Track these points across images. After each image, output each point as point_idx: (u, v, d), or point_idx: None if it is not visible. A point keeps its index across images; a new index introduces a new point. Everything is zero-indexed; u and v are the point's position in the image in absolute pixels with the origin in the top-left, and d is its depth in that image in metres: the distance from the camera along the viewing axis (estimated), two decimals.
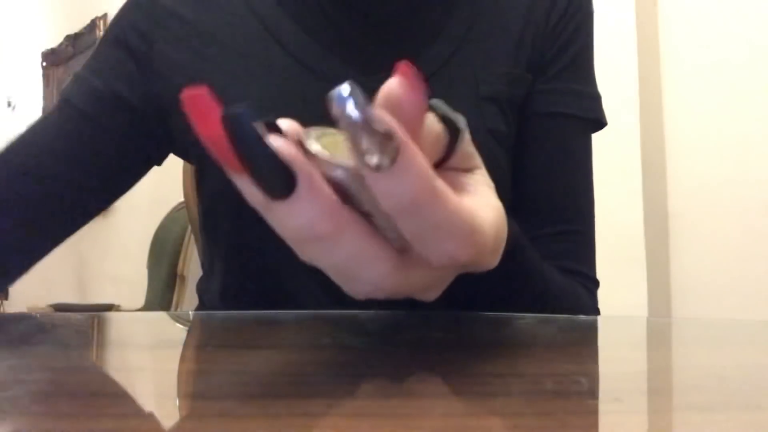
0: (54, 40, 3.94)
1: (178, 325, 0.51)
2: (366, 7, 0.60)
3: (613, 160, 1.47)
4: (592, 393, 0.24)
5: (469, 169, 0.35)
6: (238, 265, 0.60)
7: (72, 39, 3.78)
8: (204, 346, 0.38)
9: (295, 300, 0.54)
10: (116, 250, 3.40)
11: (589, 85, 0.64)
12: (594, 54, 0.66)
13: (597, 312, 0.60)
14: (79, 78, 0.62)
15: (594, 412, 0.21)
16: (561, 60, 0.62)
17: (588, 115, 0.62)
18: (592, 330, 0.42)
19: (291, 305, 0.42)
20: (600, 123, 0.63)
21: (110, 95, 0.59)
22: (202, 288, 0.66)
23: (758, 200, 1.54)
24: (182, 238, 2.57)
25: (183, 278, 2.62)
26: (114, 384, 0.26)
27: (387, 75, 0.47)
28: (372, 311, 0.40)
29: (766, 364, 0.30)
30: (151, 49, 0.60)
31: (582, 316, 0.52)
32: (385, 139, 0.26)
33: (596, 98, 0.63)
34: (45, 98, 4.04)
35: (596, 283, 0.61)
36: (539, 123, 0.61)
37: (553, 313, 0.50)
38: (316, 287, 0.53)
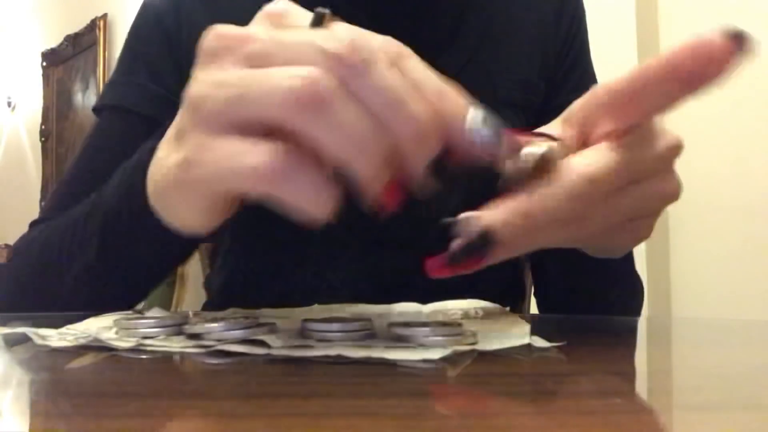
0: (54, 40, 3.94)
1: None
2: (380, 11, 0.60)
3: None
4: (592, 393, 0.24)
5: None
6: (250, 260, 0.60)
7: (72, 39, 3.78)
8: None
9: (310, 297, 0.54)
10: None
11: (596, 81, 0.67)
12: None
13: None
14: (131, 84, 0.60)
15: (594, 412, 0.21)
16: (580, 66, 0.65)
17: None
18: (591, 330, 0.42)
19: (302, 302, 0.42)
20: None
21: (168, 97, 0.58)
22: (208, 283, 0.67)
23: (758, 200, 1.54)
24: None
25: (183, 278, 2.62)
26: (114, 384, 0.26)
27: None
28: (379, 307, 0.40)
29: (766, 364, 0.30)
30: (180, 49, 0.60)
31: (579, 316, 0.52)
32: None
33: None
34: (45, 98, 4.04)
35: None
36: None
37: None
38: (334, 287, 0.53)
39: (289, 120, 0.28)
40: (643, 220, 0.38)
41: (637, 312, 0.62)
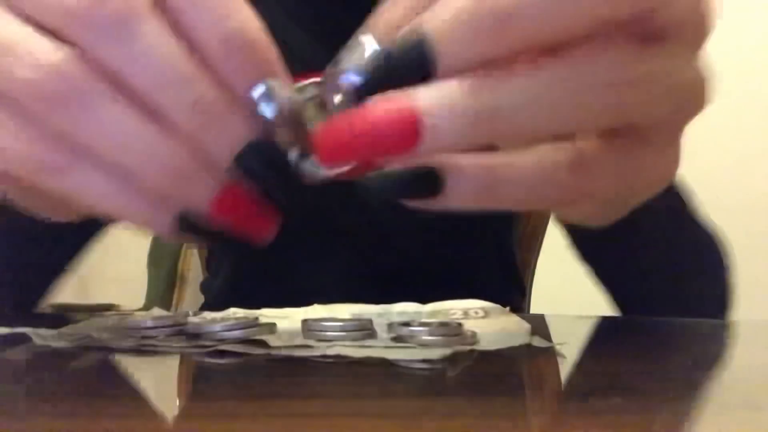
0: None
1: None
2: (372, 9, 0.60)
3: None
4: (593, 393, 0.24)
5: None
6: (243, 265, 0.60)
7: None
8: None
9: (306, 300, 0.55)
10: (116, 250, 3.40)
11: None
12: None
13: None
14: None
15: (594, 412, 0.21)
16: None
17: None
18: (591, 330, 0.42)
19: (298, 304, 0.42)
20: None
21: None
22: (205, 288, 0.67)
23: (758, 200, 1.54)
24: None
25: (183, 278, 2.61)
26: (114, 384, 0.26)
27: None
28: (379, 307, 0.40)
29: (766, 364, 0.30)
30: None
31: (579, 316, 0.52)
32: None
33: None
34: None
35: None
36: None
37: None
38: (332, 289, 0.53)
39: (41, 115, 0.22)
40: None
41: (720, 311, 0.55)
